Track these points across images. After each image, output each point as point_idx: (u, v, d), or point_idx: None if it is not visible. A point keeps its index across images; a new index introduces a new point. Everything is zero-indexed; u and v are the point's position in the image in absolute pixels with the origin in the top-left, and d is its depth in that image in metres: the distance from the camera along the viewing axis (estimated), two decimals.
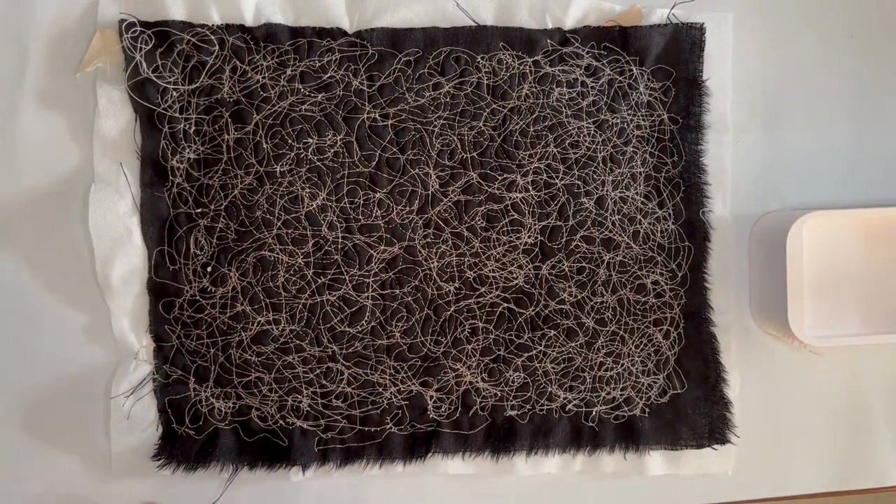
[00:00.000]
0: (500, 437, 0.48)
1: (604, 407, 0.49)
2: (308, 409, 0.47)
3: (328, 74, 0.46)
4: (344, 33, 0.47)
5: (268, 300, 0.47)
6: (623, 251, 0.48)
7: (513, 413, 0.48)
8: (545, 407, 0.48)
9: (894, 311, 0.50)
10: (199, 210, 0.46)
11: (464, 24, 0.48)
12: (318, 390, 0.47)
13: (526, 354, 0.48)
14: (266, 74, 0.46)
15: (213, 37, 0.46)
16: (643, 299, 0.49)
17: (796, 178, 0.51)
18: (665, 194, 0.49)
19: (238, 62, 0.46)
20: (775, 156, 0.51)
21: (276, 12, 0.46)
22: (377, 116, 0.47)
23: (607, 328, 0.49)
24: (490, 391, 0.48)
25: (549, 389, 0.48)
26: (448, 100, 0.47)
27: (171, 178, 0.46)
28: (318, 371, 0.47)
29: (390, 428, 0.48)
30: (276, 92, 0.46)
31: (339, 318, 0.47)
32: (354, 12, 0.47)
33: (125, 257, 0.46)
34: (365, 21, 0.47)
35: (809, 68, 0.51)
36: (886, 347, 0.51)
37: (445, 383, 0.48)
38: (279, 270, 0.47)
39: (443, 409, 0.48)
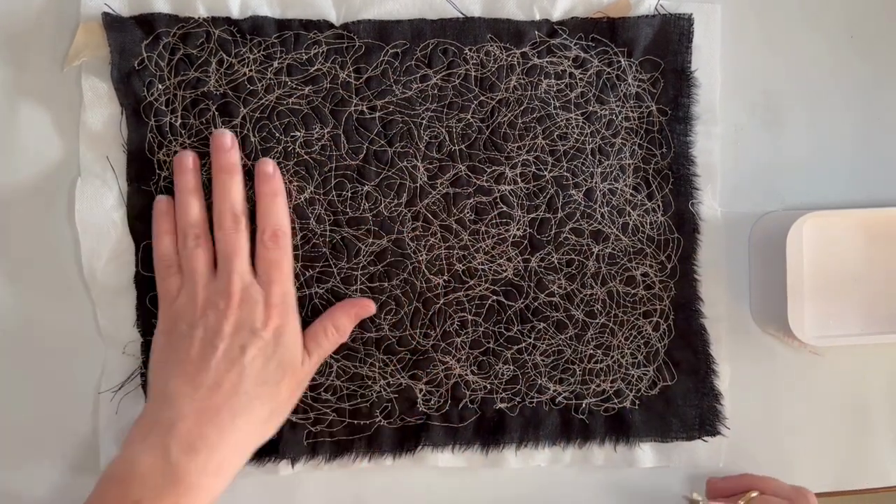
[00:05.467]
0: (489, 430, 0.48)
1: (594, 399, 0.49)
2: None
3: (315, 67, 0.46)
4: (331, 26, 0.47)
5: None
6: (612, 243, 0.48)
7: (502, 406, 0.48)
8: (535, 399, 0.48)
9: (895, 311, 0.50)
10: None
11: (451, 16, 0.47)
12: (308, 383, 0.47)
13: (515, 347, 0.48)
14: (253, 67, 0.46)
15: (198, 29, 0.45)
16: (633, 291, 0.49)
17: (796, 178, 0.51)
18: (654, 186, 0.49)
19: (224, 55, 0.46)
20: (775, 156, 0.51)
21: (262, 4, 0.46)
22: (364, 109, 0.47)
23: (597, 320, 0.48)
24: (480, 384, 0.48)
25: (539, 382, 0.48)
26: (436, 92, 0.47)
27: (157, 171, 0.46)
28: None
29: (380, 421, 0.48)
30: (262, 85, 0.46)
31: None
32: (341, 5, 0.47)
33: (112, 251, 0.46)
34: (352, 13, 0.47)
35: (809, 68, 0.51)
36: (887, 347, 0.51)
37: (435, 376, 0.48)
38: None
39: (432, 402, 0.48)
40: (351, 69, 0.47)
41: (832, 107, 0.51)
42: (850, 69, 0.51)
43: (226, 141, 0.44)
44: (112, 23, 0.45)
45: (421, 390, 0.48)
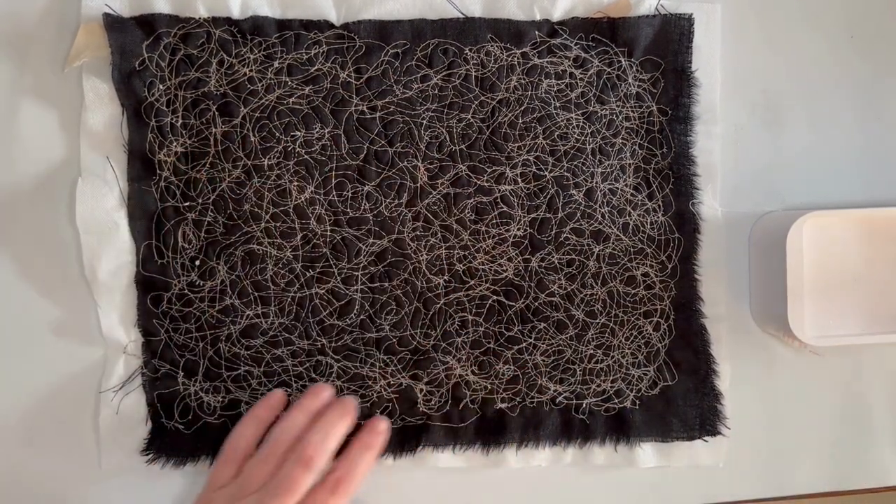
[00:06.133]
0: (490, 430, 0.48)
1: (594, 399, 0.49)
2: None
3: (315, 67, 0.46)
4: (331, 26, 0.47)
5: (256, 293, 0.47)
6: (613, 243, 0.48)
7: (503, 406, 0.48)
8: (535, 399, 0.48)
9: (895, 311, 0.50)
10: (186, 204, 0.46)
11: (452, 16, 0.47)
12: (307, 384, 0.47)
13: (516, 347, 0.48)
14: (253, 67, 0.46)
15: (199, 30, 0.46)
16: (633, 291, 0.49)
17: (796, 178, 0.51)
18: (654, 186, 0.49)
19: (225, 55, 0.46)
20: (775, 156, 0.51)
21: (262, 5, 0.46)
22: (365, 109, 0.47)
23: (597, 320, 0.48)
24: (480, 384, 0.48)
25: (540, 382, 0.48)
26: (436, 92, 0.47)
27: (158, 171, 0.46)
28: (307, 364, 0.47)
29: None
30: (263, 85, 0.46)
31: (328, 311, 0.47)
32: (341, 5, 0.47)
33: (113, 252, 0.46)
34: (352, 13, 0.47)
35: (810, 67, 0.51)
36: (886, 347, 0.51)
37: (435, 376, 0.48)
38: (268, 264, 0.47)
39: (433, 403, 0.48)
40: (351, 69, 0.47)
41: (832, 107, 0.51)
42: (850, 69, 0.51)
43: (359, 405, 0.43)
44: (113, 23, 0.45)
45: (421, 390, 0.48)
